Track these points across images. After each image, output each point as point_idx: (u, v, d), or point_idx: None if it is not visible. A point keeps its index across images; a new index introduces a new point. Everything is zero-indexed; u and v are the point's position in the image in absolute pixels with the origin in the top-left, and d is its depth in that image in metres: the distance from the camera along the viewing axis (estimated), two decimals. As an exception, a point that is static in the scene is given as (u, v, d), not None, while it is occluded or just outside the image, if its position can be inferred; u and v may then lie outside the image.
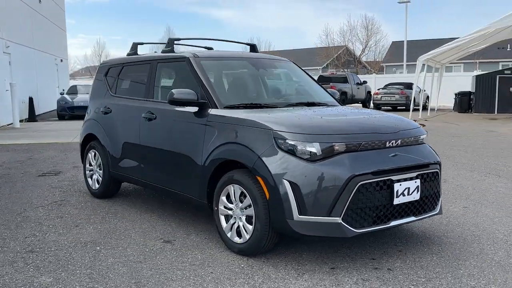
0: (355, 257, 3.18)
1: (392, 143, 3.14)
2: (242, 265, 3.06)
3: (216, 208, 3.40)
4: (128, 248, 3.39)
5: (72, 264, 3.10)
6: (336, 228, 2.88)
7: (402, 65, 32.69)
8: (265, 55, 4.63)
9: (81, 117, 16.03)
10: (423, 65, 15.95)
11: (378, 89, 22.03)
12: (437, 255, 3.19)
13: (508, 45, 30.91)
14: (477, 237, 3.55)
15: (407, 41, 32.28)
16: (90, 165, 5.03)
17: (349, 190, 2.85)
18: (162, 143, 3.96)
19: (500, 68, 29.19)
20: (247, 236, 3.16)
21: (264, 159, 3.01)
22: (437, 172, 3.29)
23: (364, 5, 67.06)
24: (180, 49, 5.04)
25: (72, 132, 11.62)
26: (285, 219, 2.92)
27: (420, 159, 3.20)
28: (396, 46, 38.15)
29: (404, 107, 19.90)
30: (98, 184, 4.89)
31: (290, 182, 2.91)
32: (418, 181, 3.11)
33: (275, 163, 2.98)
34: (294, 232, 2.92)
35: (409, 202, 3.10)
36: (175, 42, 4.38)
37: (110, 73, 5.00)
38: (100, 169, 4.85)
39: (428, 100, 19.99)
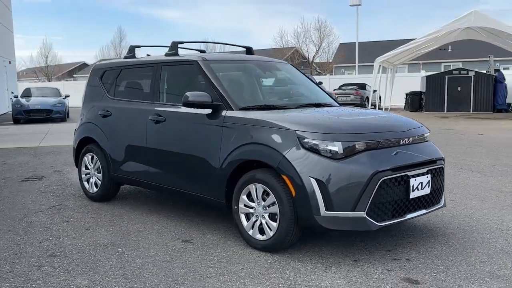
0: (372, 249, 3.36)
1: (405, 141, 3.36)
2: (269, 261, 3.17)
3: (236, 207, 3.48)
4: (151, 248, 3.42)
5: (101, 266, 3.10)
6: (361, 222, 3.05)
7: (350, 66, 33.60)
8: (265, 58, 4.75)
9: (37, 121, 15.78)
10: (379, 66, 16.61)
11: (334, 90, 22.65)
12: (445, 244, 3.43)
13: (450, 47, 32.51)
14: (474, 227, 3.83)
15: (353, 42, 33.24)
16: (87, 168, 4.95)
17: (372, 186, 3.03)
18: (172, 145, 3.98)
19: (443, 69, 30.82)
20: (271, 233, 3.27)
21: (289, 158, 3.13)
22: (442, 167, 3.54)
23: (310, 8, 68.36)
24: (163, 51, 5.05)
25: (34, 136, 11.31)
26: (313, 215, 3.06)
27: (429, 155, 3.44)
28: (344, 48, 39.19)
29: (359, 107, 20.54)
30: (97, 188, 4.83)
31: (316, 179, 3.05)
32: (429, 176, 3.35)
33: (300, 162, 3.11)
34: (321, 227, 3.06)
35: (422, 196, 3.32)
36: (179, 45, 4.41)
37: (106, 76, 4.95)
38: (98, 172, 4.79)
39: (380, 100, 20.80)
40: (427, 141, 3.62)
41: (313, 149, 3.12)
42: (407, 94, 20.95)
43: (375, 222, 3.07)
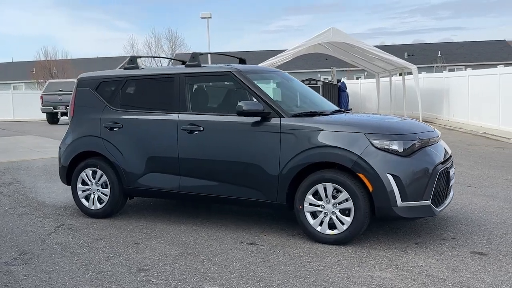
0: (419, 234, 3.79)
1: (435, 140, 3.90)
2: (350, 251, 3.42)
3: (300, 207, 3.61)
4: (228, 254, 3.38)
5: (211, 272, 3.03)
6: (428, 209, 3.48)
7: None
8: (274, 68, 4.94)
9: None
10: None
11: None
12: (483, 231, 3.85)
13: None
14: (478, 216, 4.38)
15: (204, 52, 34.31)
16: (85, 184, 4.48)
17: (434, 177, 3.49)
18: (216, 154, 3.93)
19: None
20: (344, 227, 3.49)
21: (365, 158, 3.42)
22: (453, 161, 4.18)
23: (122, 17, 66.42)
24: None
25: None
26: (391, 207, 3.38)
27: (449, 151, 4.04)
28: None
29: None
30: (101, 204, 4.42)
31: (392, 175, 3.39)
32: (454, 168, 3.94)
33: (375, 160, 3.42)
34: (399, 216, 3.41)
35: (451, 185, 3.89)
36: (200, 55, 4.34)
37: (103, 87, 4.58)
38: (104, 187, 4.38)
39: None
40: (441, 140, 4.24)
41: (384, 149, 3.45)
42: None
43: (436, 209, 3.53)
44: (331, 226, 3.57)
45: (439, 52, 34.14)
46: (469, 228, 3.90)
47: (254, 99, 3.84)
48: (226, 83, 4.08)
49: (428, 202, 3.47)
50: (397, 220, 3.73)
